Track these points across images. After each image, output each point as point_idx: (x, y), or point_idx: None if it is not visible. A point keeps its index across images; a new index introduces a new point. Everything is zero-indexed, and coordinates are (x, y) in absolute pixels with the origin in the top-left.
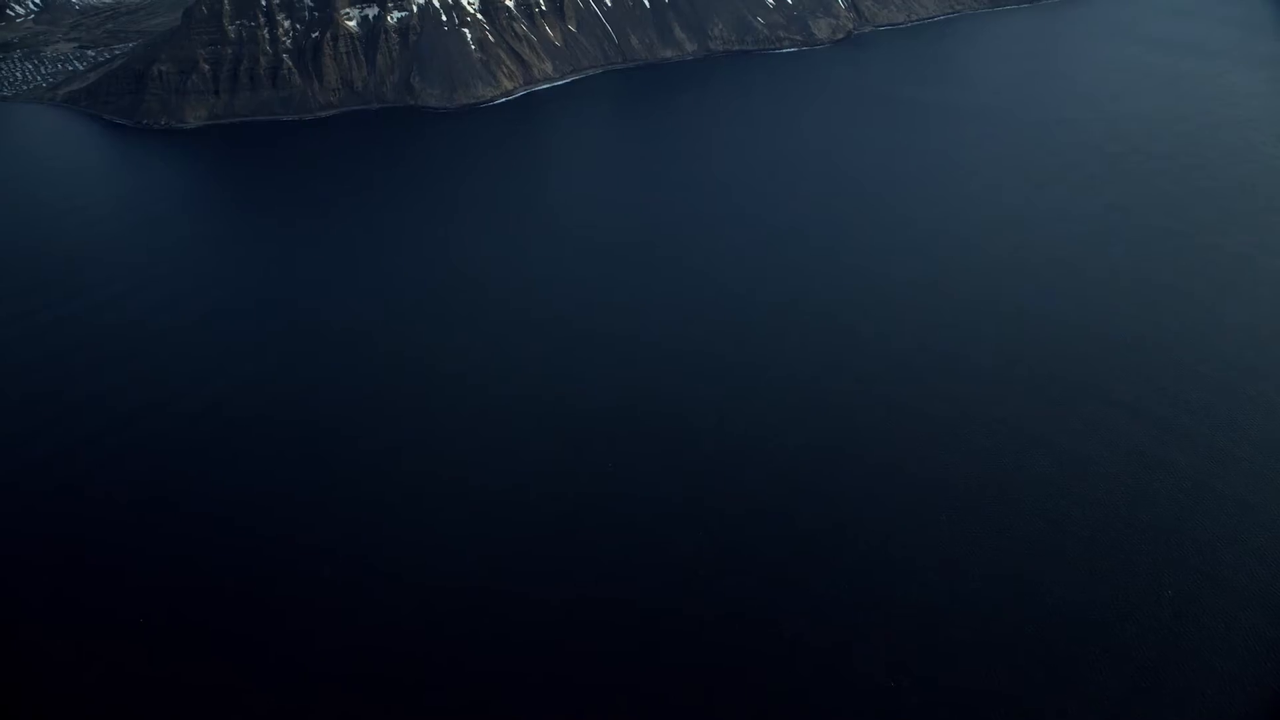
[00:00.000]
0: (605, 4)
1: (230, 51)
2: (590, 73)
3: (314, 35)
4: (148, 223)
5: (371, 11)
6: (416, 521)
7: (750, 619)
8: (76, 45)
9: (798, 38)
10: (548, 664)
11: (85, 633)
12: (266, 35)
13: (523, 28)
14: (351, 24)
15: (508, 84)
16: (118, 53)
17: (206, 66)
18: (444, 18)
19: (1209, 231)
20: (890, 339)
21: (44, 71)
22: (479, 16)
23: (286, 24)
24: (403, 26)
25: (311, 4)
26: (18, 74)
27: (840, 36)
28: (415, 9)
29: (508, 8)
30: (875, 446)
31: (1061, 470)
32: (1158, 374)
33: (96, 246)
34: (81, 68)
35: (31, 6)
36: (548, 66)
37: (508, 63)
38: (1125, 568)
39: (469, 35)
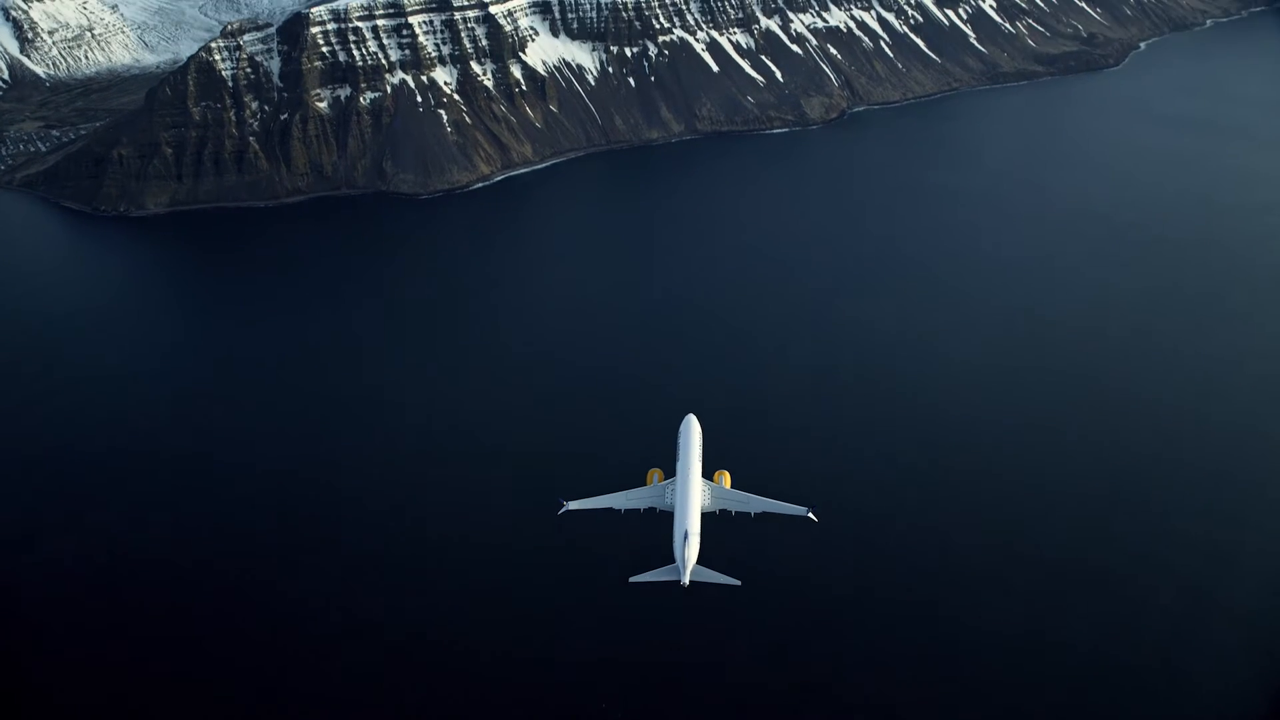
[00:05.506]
0: (588, 83)
1: (194, 134)
2: (572, 155)
3: (282, 117)
4: (69, 321)
5: (344, 92)
6: None
7: None
8: (42, 124)
9: (789, 117)
10: None
11: None
12: (233, 117)
13: (502, 109)
14: (322, 105)
15: (485, 168)
16: (83, 133)
17: (169, 150)
18: (419, 99)
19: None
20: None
21: (4, 153)
22: (456, 97)
23: (254, 105)
24: (375, 108)
25: (281, 84)
26: None
27: (833, 116)
28: (389, 89)
29: (486, 88)
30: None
31: None
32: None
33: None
34: (44, 149)
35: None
36: (527, 149)
37: (485, 146)
38: None
39: (445, 117)
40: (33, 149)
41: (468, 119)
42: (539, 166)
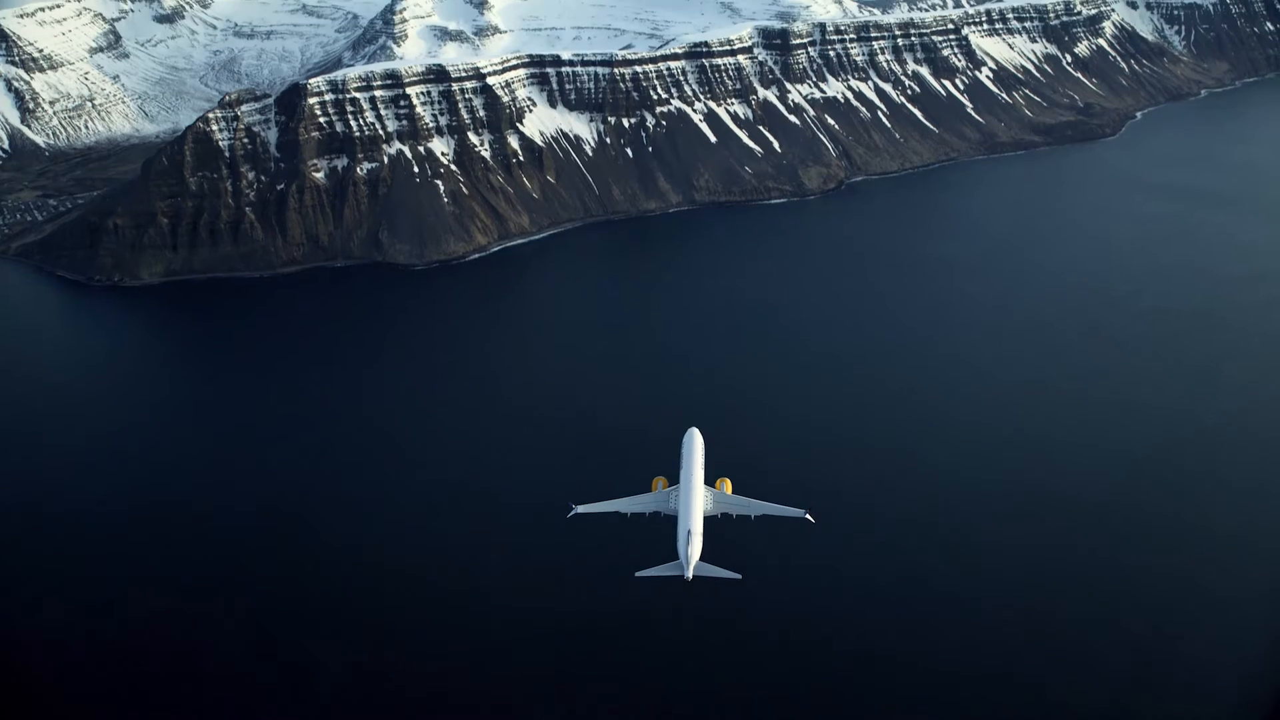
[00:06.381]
0: (586, 154)
1: (190, 205)
2: (569, 226)
3: (279, 187)
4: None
5: (340, 162)
6: None
7: None
8: (39, 193)
9: (787, 188)
10: None
11: None
12: (229, 187)
13: (499, 179)
14: (319, 175)
15: (481, 239)
16: (80, 202)
17: (165, 220)
18: (416, 169)
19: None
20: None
21: (1, 222)
22: (453, 168)
23: (250, 175)
24: (372, 178)
25: (278, 155)
26: None
27: (831, 186)
28: (386, 160)
29: (483, 158)
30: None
31: None
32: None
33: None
34: (40, 218)
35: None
36: (524, 220)
37: (482, 216)
38: None
39: (442, 187)
40: (29, 218)
41: (464, 189)
42: (536, 237)
